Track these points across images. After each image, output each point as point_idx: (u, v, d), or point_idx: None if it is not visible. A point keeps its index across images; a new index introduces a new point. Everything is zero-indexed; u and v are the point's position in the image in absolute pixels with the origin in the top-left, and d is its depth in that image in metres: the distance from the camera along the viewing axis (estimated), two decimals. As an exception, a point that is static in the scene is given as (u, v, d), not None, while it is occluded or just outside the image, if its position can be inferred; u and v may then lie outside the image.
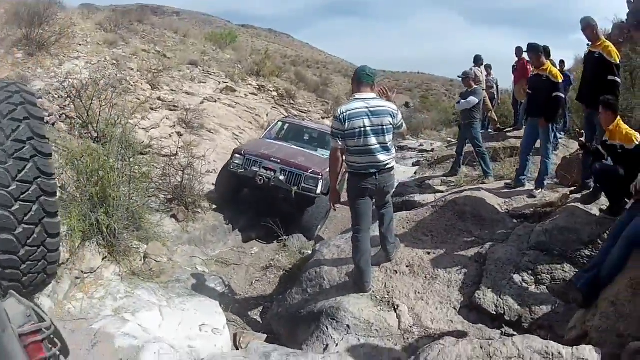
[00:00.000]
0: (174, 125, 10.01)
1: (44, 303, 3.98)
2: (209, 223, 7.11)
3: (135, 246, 5.42)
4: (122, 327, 3.99)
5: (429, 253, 4.82)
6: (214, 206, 7.59)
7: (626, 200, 4.17)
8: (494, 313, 3.99)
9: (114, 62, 11.07)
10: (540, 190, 5.82)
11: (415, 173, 9.88)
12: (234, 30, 24.39)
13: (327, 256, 5.18)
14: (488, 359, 2.76)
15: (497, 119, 10.49)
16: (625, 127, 4.38)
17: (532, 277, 4.17)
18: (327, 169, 7.29)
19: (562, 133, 9.05)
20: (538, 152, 6.22)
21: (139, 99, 9.75)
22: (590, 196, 4.98)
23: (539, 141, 6.06)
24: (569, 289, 3.59)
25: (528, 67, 8.23)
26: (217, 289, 5.65)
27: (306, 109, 18.75)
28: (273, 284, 6.00)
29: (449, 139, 20.42)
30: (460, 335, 3.64)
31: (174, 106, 10.82)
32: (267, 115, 14.66)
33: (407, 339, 3.89)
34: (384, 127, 4.10)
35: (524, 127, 8.04)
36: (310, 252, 6.12)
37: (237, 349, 4.28)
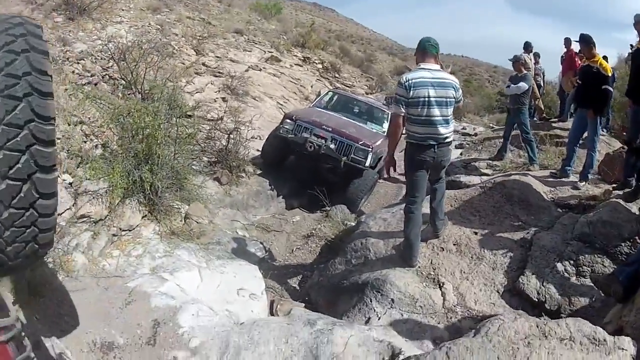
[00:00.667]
0: (219, 91, 9.85)
1: (77, 259, 3.87)
2: (252, 188, 6.97)
3: (176, 206, 5.29)
4: (159, 286, 3.86)
5: (475, 233, 4.75)
6: (259, 171, 7.45)
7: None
8: (536, 300, 3.89)
9: (158, 27, 10.96)
10: (584, 183, 5.77)
11: (460, 154, 9.69)
12: (278, 2, 24.02)
13: (373, 228, 5.09)
14: (543, 337, 2.75)
15: (543, 108, 10.27)
16: None
17: (574, 268, 4.07)
18: (377, 142, 7.21)
19: (604, 130, 8.75)
20: (582, 145, 6.25)
21: (183, 64, 9.63)
22: (632, 194, 4.82)
23: (585, 133, 6.08)
24: (611, 281, 3.46)
25: (576, 58, 8.51)
26: (257, 254, 5.51)
27: (350, 83, 18.43)
28: (314, 253, 5.86)
29: (491, 124, 19.68)
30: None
31: (219, 72, 10.66)
32: (311, 86, 14.48)
33: (450, 318, 3.81)
34: (447, 99, 4.03)
35: (569, 118, 8.66)
36: (353, 224, 6.01)
37: (273, 315, 4.18)
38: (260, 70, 12.78)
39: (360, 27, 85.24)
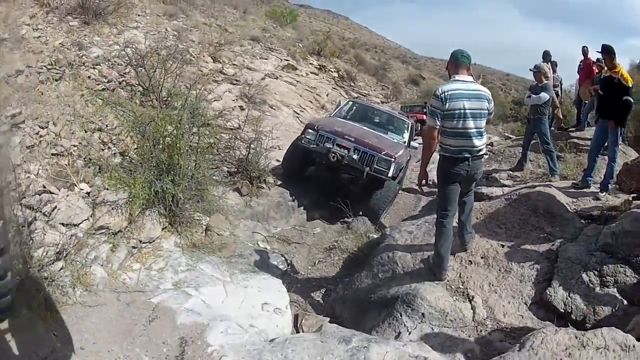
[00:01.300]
0: (236, 99, 9.77)
1: (96, 272, 3.73)
2: (273, 199, 6.84)
3: (197, 217, 5.15)
4: (184, 302, 3.73)
5: (503, 246, 4.74)
6: (279, 182, 7.33)
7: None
8: (562, 311, 3.92)
9: (175, 32, 10.90)
10: (604, 193, 5.79)
11: (481, 165, 9.43)
12: (293, 9, 24.08)
13: (400, 241, 5.06)
14: (582, 348, 2.94)
15: (562, 117, 10.12)
16: None
17: (598, 279, 4.08)
18: (398, 152, 7.07)
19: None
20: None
21: (201, 71, 9.55)
22: None
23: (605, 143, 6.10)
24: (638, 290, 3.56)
25: (593, 67, 8.51)
26: (280, 267, 5.40)
27: (366, 92, 18.37)
28: (336, 266, 5.72)
29: (506, 134, 19.42)
30: (529, 331, 3.53)
31: (236, 80, 10.60)
32: (327, 95, 14.41)
33: (480, 331, 3.81)
34: (482, 111, 4.03)
35: (586, 128, 8.88)
36: (375, 236, 5.94)
37: (298, 330, 4.10)
38: (276, 78, 12.72)
39: (374, 35, 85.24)
